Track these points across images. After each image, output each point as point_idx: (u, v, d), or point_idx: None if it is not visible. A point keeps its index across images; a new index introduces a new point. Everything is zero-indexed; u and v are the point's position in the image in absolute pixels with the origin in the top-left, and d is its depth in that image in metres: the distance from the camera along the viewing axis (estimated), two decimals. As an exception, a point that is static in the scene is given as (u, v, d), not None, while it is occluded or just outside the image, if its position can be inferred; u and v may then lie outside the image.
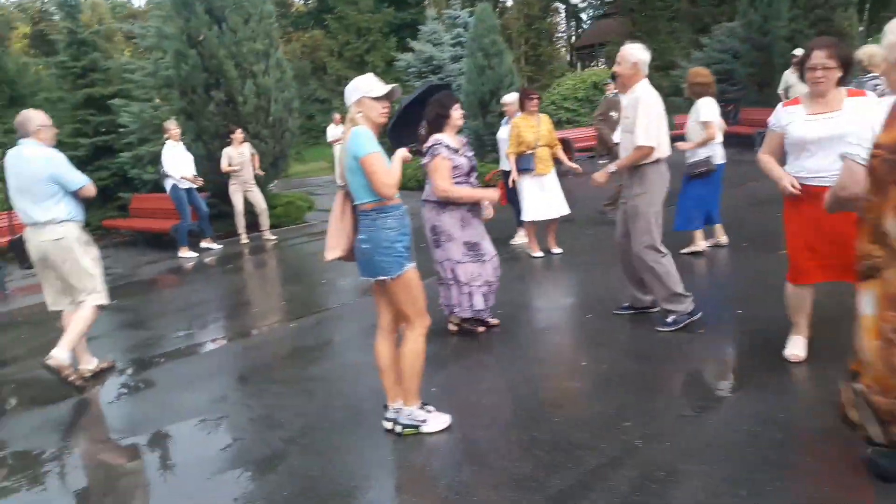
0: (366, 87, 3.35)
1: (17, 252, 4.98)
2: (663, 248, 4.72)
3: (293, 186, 16.08)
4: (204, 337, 6.03)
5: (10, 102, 19.01)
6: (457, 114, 4.72)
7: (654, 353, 4.48)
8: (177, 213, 10.12)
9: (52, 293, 4.90)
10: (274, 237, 10.58)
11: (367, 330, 5.48)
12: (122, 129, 12.54)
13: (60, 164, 4.65)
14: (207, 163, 10.33)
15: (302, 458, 3.53)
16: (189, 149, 10.05)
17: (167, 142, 9.61)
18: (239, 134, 9.95)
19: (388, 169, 3.32)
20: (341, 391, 4.36)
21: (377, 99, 3.35)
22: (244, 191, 10.19)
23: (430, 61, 14.41)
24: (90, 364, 5.06)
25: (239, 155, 10.00)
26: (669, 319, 4.75)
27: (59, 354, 4.61)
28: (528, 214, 7.15)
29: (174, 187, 9.56)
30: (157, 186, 12.02)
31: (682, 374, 4.15)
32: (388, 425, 3.65)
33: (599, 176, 5.02)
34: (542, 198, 7.08)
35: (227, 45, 10.16)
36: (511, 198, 7.50)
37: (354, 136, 3.29)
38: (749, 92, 16.47)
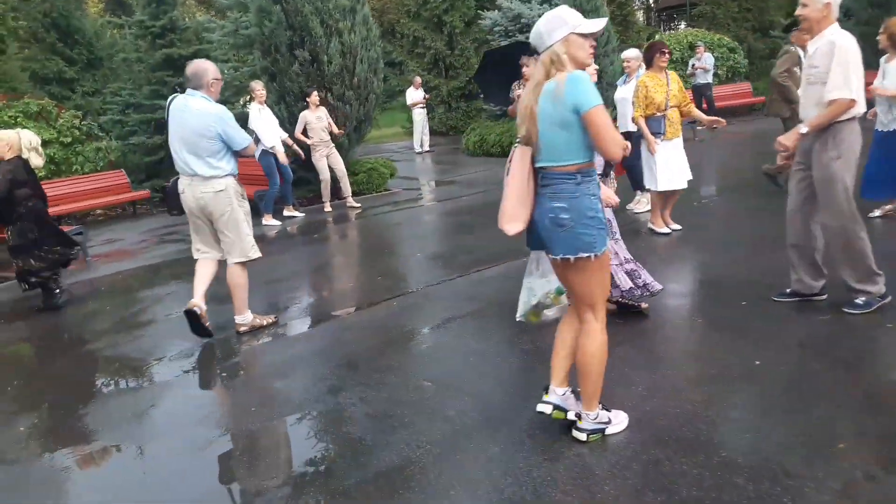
0: (574, 21, 2.70)
1: (169, 199, 4.91)
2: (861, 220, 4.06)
3: (368, 152, 15.57)
4: (299, 315, 5.53)
5: (87, 65, 19.13)
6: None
7: (841, 351, 3.73)
8: (259, 178, 9.73)
9: (202, 243, 4.90)
10: (358, 205, 10.07)
11: (479, 311, 4.93)
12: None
13: (229, 123, 4.53)
14: (290, 126, 9.85)
15: (439, 471, 2.95)
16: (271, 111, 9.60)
17: (252, 104, 9.13)
18: (315, 96, 9.40)
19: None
20: (466, 386, 3.76)
21: (586, 36, 2.72)
22: (328, 154, 9.69)
23: (518, 19, 13.54)
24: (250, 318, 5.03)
25: (317, 119, 9.47)
26: (860, 301, 4.10)
27: (243, 319, 4.94)
28: (660, 184, 6.34)
29: (263, 153, 9.09)
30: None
31: (888, 382, 3.39)
32: (546, 409, 3.06)
33: (787, 139, 4.17)
34: (672, 165, 6.30)
35: (313, 1, 9.59)
36: (629, 163, 6.73)
37: (575, 83, 2.64)
38: (865, 54, 15.02)
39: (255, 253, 4.91)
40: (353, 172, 10.52)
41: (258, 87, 9.12)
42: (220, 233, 4.76)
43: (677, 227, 6.56)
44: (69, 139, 11.77)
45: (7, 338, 5.67)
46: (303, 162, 9.59)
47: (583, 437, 3.01)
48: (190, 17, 19.17)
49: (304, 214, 9.83)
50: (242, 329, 4.95)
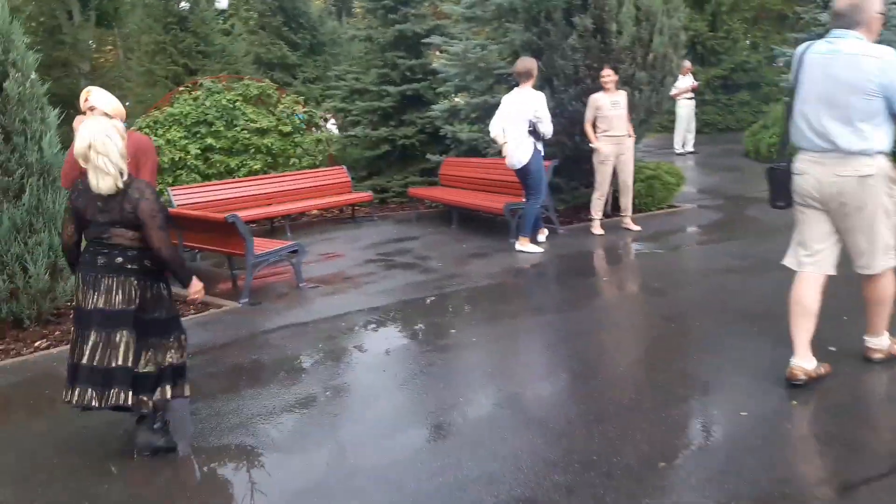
0: None
1: (777, 184, 3.56)
2: None
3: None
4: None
5: (309, 50, 18.27)
6: None
7: None
8: (514, 186, 7.45)
9: (815, 243, 3.45)
10: (637, 228, 7.43)
11: None
12: (437, 75, 10.18)
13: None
14: (558, 118, 7.42)
15: None
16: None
17: (519, 88, 6.74)
18: (612, 74, 6.88)
19: None
20: None
21: None
22: (617, 155, 7.14)
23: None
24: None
25: (612, 105, 6.94)
26: None
27: (878, 343, 3.59)
28: None
29: (536, 153, 6.70)
30: (474, 149, 9.51)
31: None
32: None
33: None
34: None
35: (603, -51, 7.07)
36: None
37: None
38: None
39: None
40: (627, 182, 7.90)
41: (532, 65, 6.74)
42: (849, 232, 3.37)
43: None
44: (288, 128, 10.29)
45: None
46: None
47: None
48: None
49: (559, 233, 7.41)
50: (877, 357, 3.61)
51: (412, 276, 6.47)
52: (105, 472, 3.29)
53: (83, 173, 3.51)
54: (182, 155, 9.37)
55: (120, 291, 3.25)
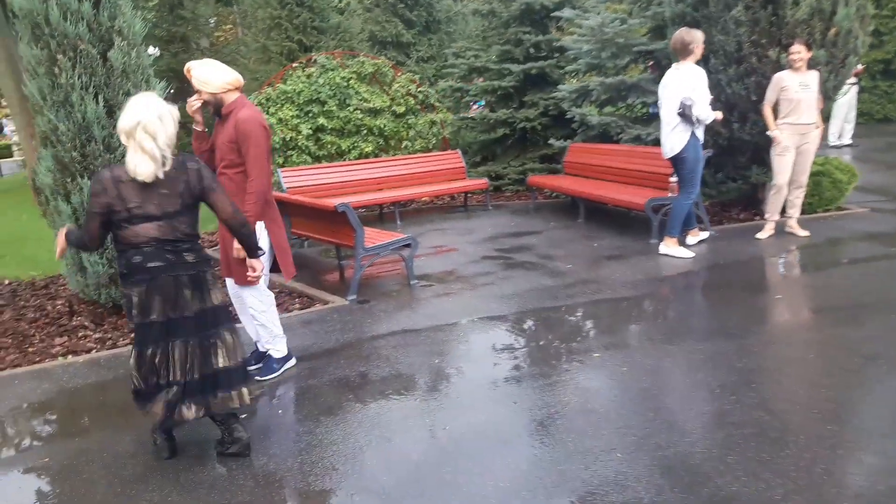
0: None
1: None
2: None
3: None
4: None
5: (425, 28, 17.64)
6: None
7: None
8: (656, 178, 6.54)
9: None
10: (805, 233, 6.31)
11: None
12: (564, 52, 9.28)
13: None
14: (712, 102, 6.38)
15: None
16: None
17: (684, 63, 5.71)
18: (805, 50, 5.76)
19: None
20: None
21: None
22: (798, 146, 6.06)
23: None
24: None
25: (801, 87, 5.84)
26: None
27: None
28: None
29: (693, 140, 5.75)
30: (604, 134, 8.58)
31: None
32: None
33: None
34: None
35: None
36: None
37: None
38: None
39: None
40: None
41: (699, 38, 5.71)
42: None
43: None
44: (402, 108, 9.68)
45: None
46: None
47: None
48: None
49: (707, 235, 6.43)
50: None
51: (536, 278, 5.69)
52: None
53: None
54: (293, 135, 8.95)
55: (199, 290, 2.99)
